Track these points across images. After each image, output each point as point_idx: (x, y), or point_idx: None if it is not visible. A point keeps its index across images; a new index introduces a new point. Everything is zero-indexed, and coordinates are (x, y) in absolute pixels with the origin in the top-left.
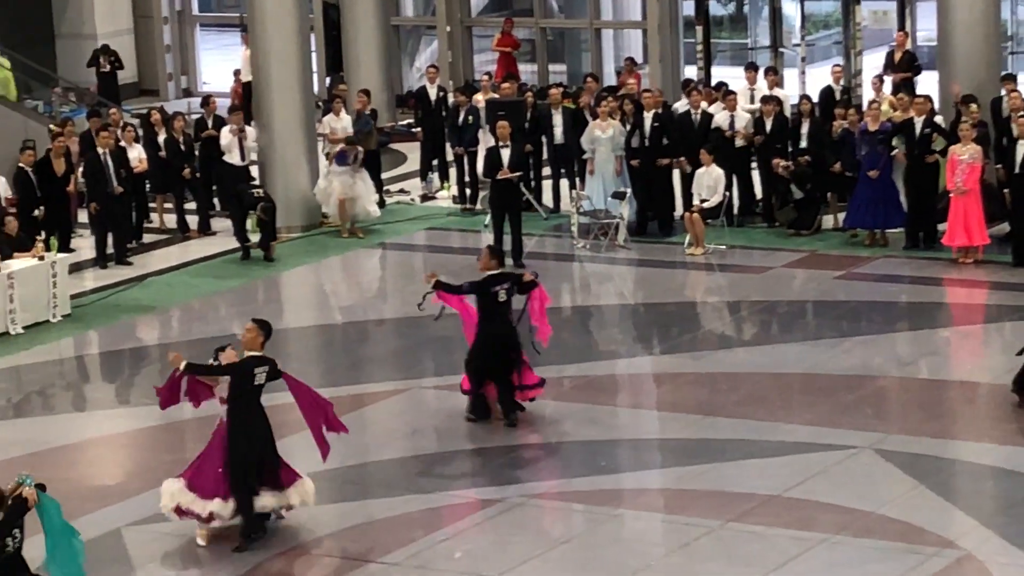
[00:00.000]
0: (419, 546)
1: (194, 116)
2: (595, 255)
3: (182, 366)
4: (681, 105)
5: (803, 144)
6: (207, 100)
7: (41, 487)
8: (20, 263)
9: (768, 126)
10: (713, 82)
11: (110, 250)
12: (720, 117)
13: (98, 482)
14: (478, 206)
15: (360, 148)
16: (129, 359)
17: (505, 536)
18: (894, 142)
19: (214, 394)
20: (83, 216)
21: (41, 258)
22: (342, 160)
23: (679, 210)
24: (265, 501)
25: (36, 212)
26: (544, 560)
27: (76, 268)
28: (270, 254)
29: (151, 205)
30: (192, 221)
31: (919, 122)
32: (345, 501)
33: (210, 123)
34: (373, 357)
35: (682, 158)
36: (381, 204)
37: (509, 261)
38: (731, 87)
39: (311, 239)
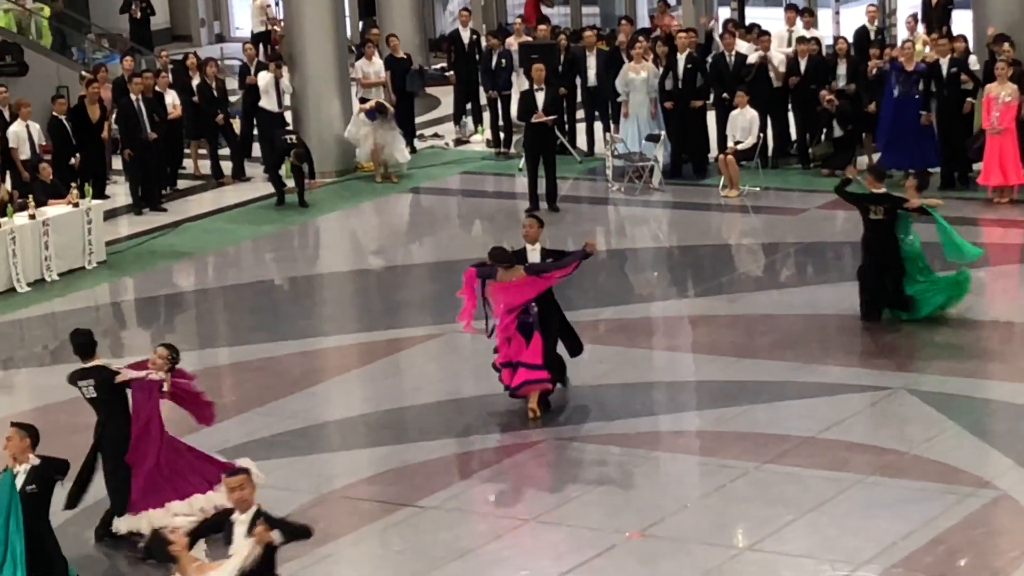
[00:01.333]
0: (456, 489)
1: (227, 62)
2: (629, 198)
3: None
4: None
5: (839, 85)
6: (257, 43)
7: None
8: (55, 210)
9: (803, 67)
10: (747, 23)
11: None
12: (754, 58)
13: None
14: (512, 150)
15: (391, 109)
16: (164, 305)
17: (541, 478)
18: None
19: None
20: (117, 163)
21: (76, 205)
22: (371, 116)
23: (713, 152)
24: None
25: (72, 160)
26: (581, 502)
27: (111, 215)
28: (304, 199)
29: (185, 151)
30: (226, 167)
31: (945, 63)
32: (381, 446)
33: (252, 70)
34: (408, 302)
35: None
36: (413, 150)
37: (544, 205)
38: (765, 28)
39: (345, 184)
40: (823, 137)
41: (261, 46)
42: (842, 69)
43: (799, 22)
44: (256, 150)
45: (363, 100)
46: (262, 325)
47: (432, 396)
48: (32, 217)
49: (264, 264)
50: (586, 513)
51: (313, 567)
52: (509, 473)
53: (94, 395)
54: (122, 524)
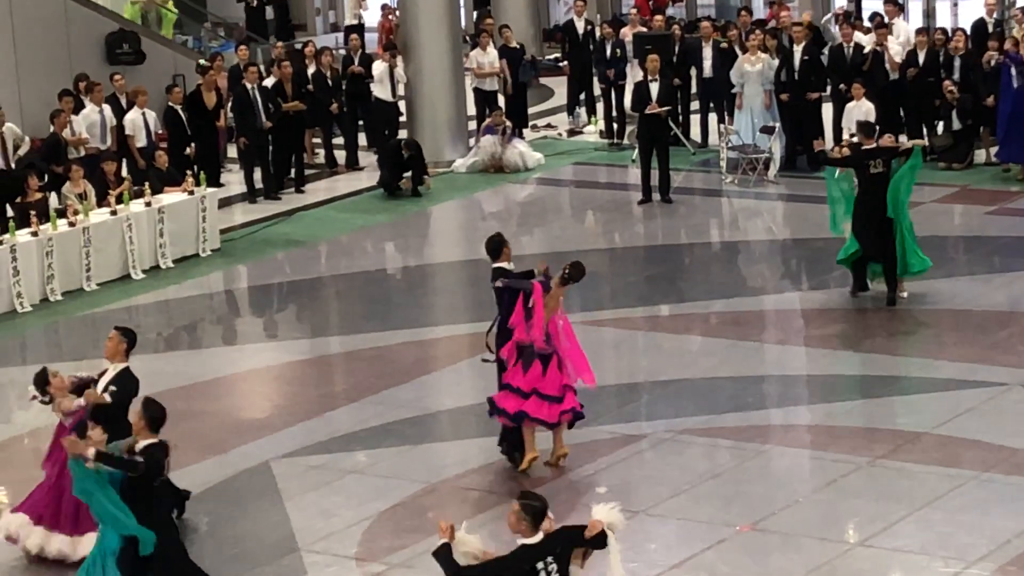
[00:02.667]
0: (565, 481)
1: (341, 51)
2: (743, 190)
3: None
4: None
5: (956, 77)
6: (350, 35)
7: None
8: (170, 198)
9: (921, 59)
10: (866, 14)
11: (259, 184)
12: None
13: (247, 415)
14: (625, 141)
15: (508, 123)
16: (277, 293)
17: (651, 471)
18: None
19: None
20: (232, 151)
21: (191, 192)
22: (491, 131)
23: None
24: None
25: (187, 149)
26: (690, 496)
27: (225, 203)
28: (418, 189)
29: None
30: (340, 156)
31: None
32: (492, 436)
33: (356, 60)
34: None
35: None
36: (520, 135)
37: (656, 196)
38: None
39: (457, 174)
40: (942, 130)
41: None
42: (958, 62)
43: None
44: (363, 139)
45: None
46: (374, 314)
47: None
48: (148, 204)
49: (377, 253)
50: (696, 506)
51: (423, 556)
52: (618, 465)
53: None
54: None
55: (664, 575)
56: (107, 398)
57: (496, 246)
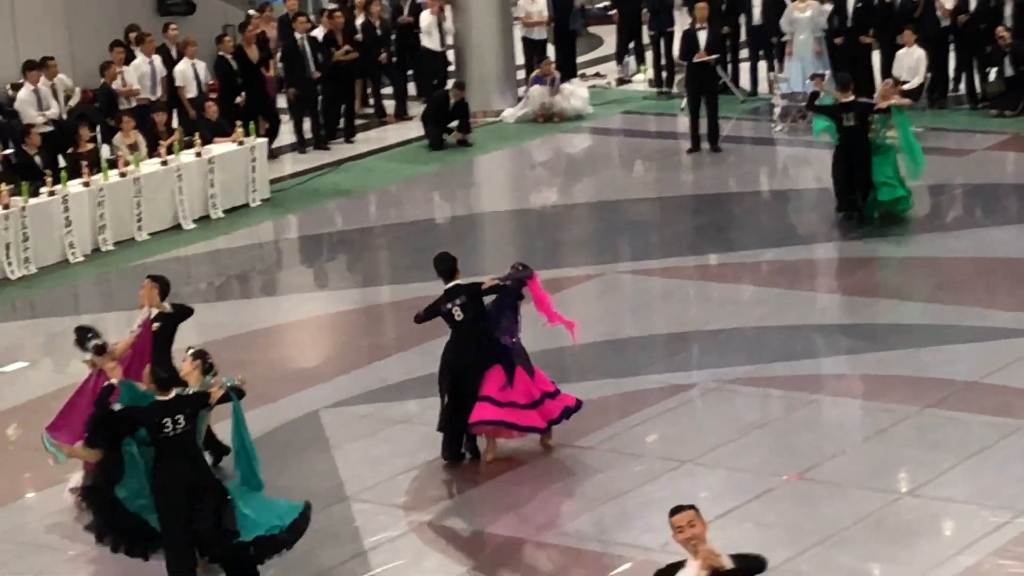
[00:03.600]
0: (613, 430)
1: (389, 2)
2: (793, 138)
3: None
4: None
5: (1008, 23)
6: None
7: (238, 393)
8: (220, 148)
9: (972, 4)
10: None
11: (308, 135)
12: None
13: (296, 364)
14: (674, 89)
15: (557, 73)
16: (327, 243)
17: (699, 421)
18: None
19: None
20: (282, 101)
21: (240, 143)
22: (539, 81)
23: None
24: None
25: (238, 99)
26: (738, 445)
27: (275, 153)
28: (466, 138)
29: None
30: (389, 106)
31: None
32: None
33: (405, 10)
34: (568, 241)
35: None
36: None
37: (705, 145)
38: None
39: (506, 124)
40: (994, 76)
41: None
42: (1009, 10)
43: None
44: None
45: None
46: (422, 264)
47: (591, 336)
48: (198, 155)
49: (425, 203)
50: (744, 456)
51: (470, 505)
52: (666, 415)
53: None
54: None
55: (711, 524)
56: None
57: (449, 267)
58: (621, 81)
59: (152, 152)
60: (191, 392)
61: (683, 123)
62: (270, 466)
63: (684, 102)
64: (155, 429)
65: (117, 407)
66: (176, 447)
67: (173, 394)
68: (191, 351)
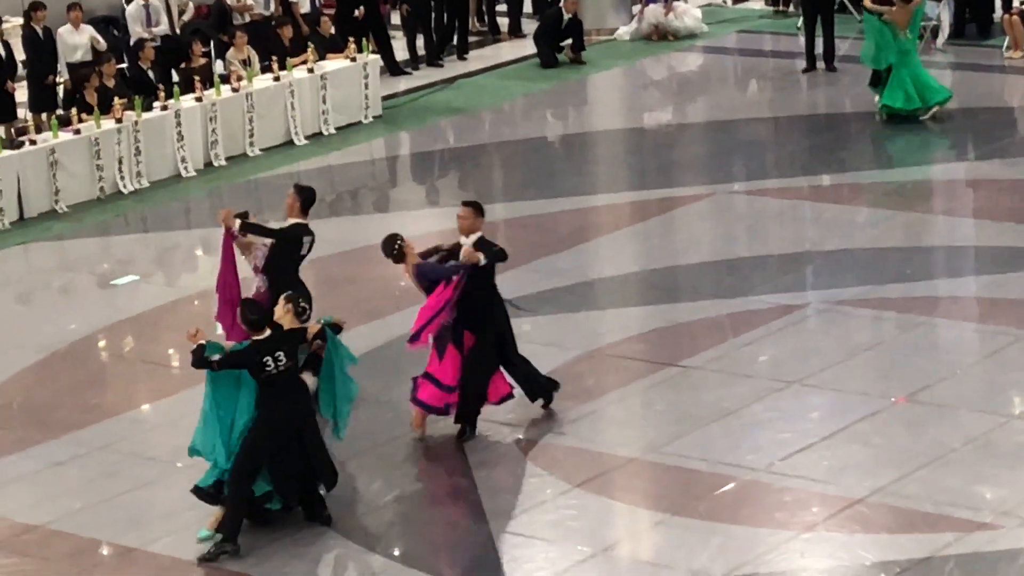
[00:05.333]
0: (722, 350)
1: None
2: None
3: (236, 225)
4: None
5: None
6: None
7: (336, 328)
8: (333, 64)
9: None
10: None
11: (421, 51)
12: None
13: (406, 282)
14: (791, 8)
15: None
16: (438, 160)
17: (809, 342)
18: None
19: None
20: (395, 18)
21: (353, 60)
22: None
23: (998, 12)
24: None
25: (356, 12)
26: (847, 366)
27: (388, 70)
28: (579, 57)
29: None
30: (503, 23)
31: None
32: (650, 304)
33: None
34: (681, 161)
35: None
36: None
37: (821, 64)
38: None
39: (621, 42)
40: None
41: None
42: None
43: None
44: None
45: None
46: (534, 182)
47: (703, 256)
48: (311, 71)
49: (538, 121)
50: (852, 377)
51: (577, 423)
52: (775, 335)
53: None
54: None
55: (817, 445)
56: None
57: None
58: (737, 0)
59: (265, 67)
60: (288, 329)
61: (799, 43)
62: (379, 381)
63: (800, 21)
64: (257, 369)
65: (216, 357)
66: (279, 385)
67: (267, 333)
68: (284, 295)
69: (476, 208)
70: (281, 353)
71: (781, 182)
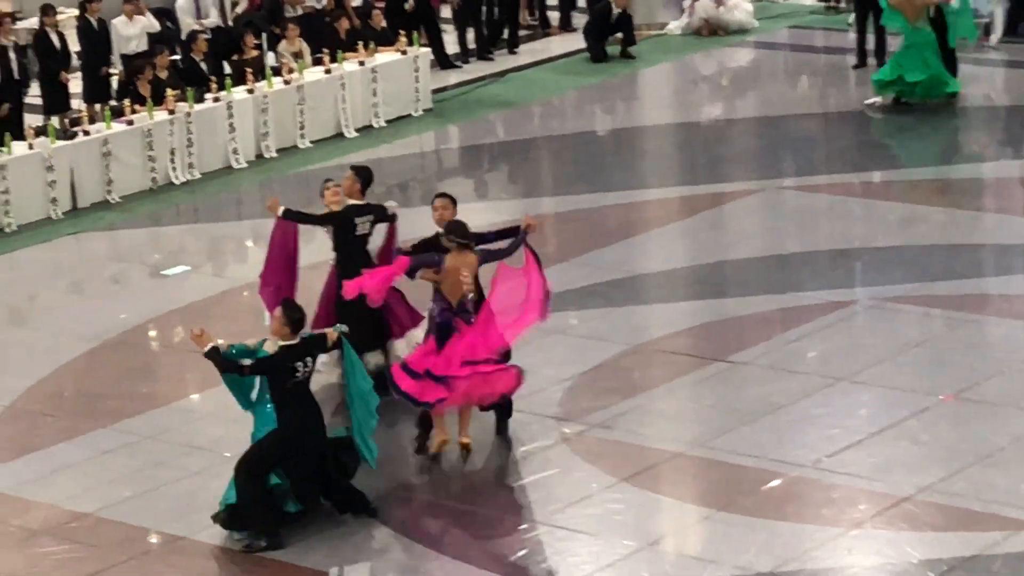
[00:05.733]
0: (770, 346)
1: None
2: (962, 55)
3: (280, 211)
4: None
5: None
6: None
7: (349, 338)
8: (384, 57)
9: None
10: None
11: (471, 45)
12: None
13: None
14: (842, 4)
15: None
16: (488, 154)
17: (858, 338)
18: None
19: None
20: (446, 11)
21: (404, 52)
22: None
23: None
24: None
25: (407, 4)
26: (895, 363)
27: (438, 63)
28: (629, 51)
29: None
30: (553, 17)
31: None
32: (698, 299)
33: None
34: (731, 156)
35: None
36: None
37: (872, 60)
38: None
39: (671, 36)
40: None
41: None
42: None
43: None
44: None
45: None
46: (583, 176)
47: (752, 251)
48: (361, 64)
49: (587, 115)
50: (900, 374)
51: (623, 417)
52: (824, 331)
53: None
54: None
55: (865, 442)
56: None
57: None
58: None
59: (316, 60)
60: (311, 335)
61: (850, 38)
62: None
63: (852, 17)
64: (287, 374)
65: (247, 362)
66: (304, 390)
67: (299, 338)
68: (282, 301)
69: (451, 200)
70: (309, 359)
71: (831, 178)
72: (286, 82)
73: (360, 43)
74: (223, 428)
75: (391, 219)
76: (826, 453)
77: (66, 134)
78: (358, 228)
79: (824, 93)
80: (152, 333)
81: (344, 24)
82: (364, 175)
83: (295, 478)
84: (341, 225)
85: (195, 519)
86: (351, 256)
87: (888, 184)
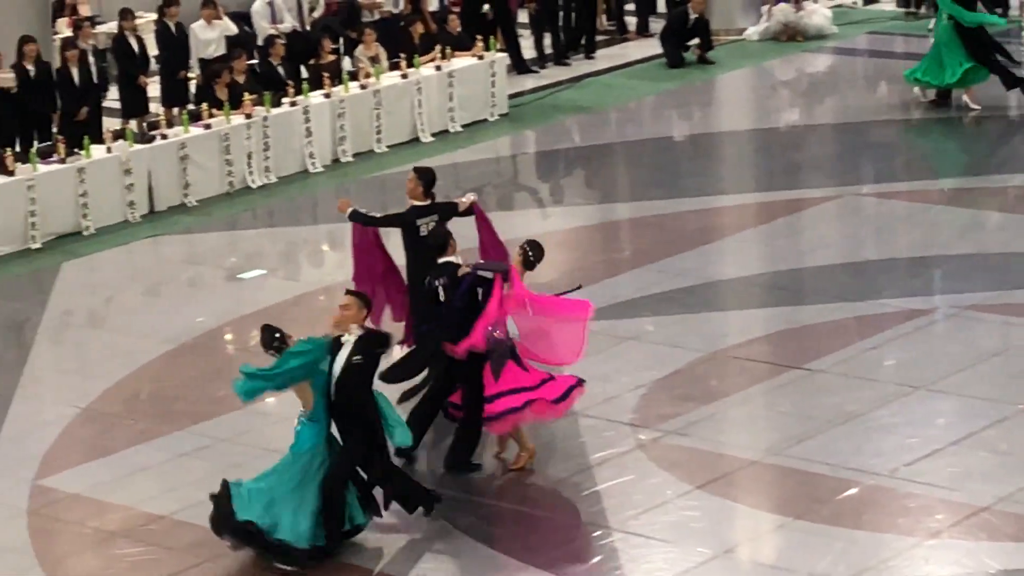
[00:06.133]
0: (847, 353)
1: None
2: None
3: (348, 212)
4: None
5: None
6: None
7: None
8: (460, 62)
9: None
10: None
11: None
12: None
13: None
14: (922, 10)
15: None
16: (564, 159)
17: (936, 346)
18: None
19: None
20: (523, 16)
21: (480, 57)
22: None
23: None
24: None
25: (484, 8)
26: (975, 372)
27: (515, 68)
28: (706, 57)
29: None
30: (631, 22)
31: None
32: (775, 306)
33: None
34: (809, 162)
35: None
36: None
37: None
38: None
39: (749, 42)
40: None
41: None
42: None
43: None
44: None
45: None
46: (660, 181)
47: (830, 258)
48: (438, 69)
49: (664, 121)
50: (979, 383)
51: (698, 424)
52: (902, 339)
53: None
54: None
55: (944, 451)
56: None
57: (442, 240)
58: (868, 1)
59: (393, 65)
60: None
61: (929, 44)
62: None
63: (932, 23)
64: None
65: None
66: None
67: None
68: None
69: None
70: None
71: (910, 185)
72: (362, 87)
73: (437, 47)
74: None
75: (466, 213)
76: (903, 462)
77: (144, 138)
78: (421, 229)
79: (903, 99)
80: (228, 336)
81: (418, 28)
82: (426, 176)
83: (363, 484)
84: (404, 227)
85: None
86: (417, 257)
87: (968, 191)
